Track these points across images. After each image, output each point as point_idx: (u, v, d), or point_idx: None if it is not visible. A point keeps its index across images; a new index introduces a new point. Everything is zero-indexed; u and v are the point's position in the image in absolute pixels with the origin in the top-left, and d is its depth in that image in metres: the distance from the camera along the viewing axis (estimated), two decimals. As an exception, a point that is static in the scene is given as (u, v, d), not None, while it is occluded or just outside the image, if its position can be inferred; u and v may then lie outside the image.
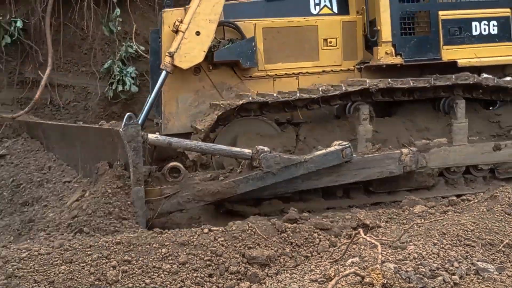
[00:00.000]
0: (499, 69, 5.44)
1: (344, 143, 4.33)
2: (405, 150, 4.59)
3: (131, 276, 2.83)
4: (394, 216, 3.83)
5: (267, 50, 5.16)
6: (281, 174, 4.11)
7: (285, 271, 2.98)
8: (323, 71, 5.30)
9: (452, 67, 5.11)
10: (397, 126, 4.96)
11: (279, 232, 3.29)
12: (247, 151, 4.10)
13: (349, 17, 5.29)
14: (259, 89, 5.09)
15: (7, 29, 7.16)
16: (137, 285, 2.77)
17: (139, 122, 4.64)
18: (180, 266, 2.93)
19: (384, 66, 5.02)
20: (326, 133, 4.80)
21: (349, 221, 3.64)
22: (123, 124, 3.61)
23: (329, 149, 4.29)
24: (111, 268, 2.84)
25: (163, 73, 4.76)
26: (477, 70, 5.31)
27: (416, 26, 5.14)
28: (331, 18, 5.27)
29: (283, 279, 2.77)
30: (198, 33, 4.69)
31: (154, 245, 3.07)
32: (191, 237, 3.16)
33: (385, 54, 5.00)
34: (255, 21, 5.09)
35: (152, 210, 3.85)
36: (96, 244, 3.04)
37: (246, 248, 3.13)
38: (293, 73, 5.25)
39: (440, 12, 5.09)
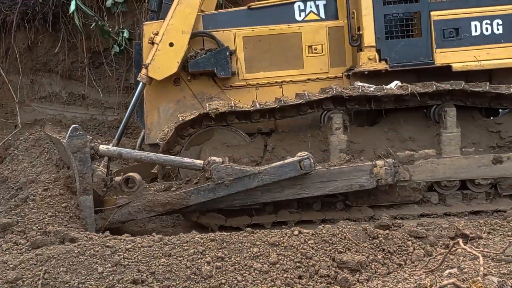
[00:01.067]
0: (507, 73, 4.90)
1: (304, 154, 4.13)
2: (379, 162, 4.27)
3: (224, 272, 2.96)
4: (498, 227, 3.66)
5: (248, 59, 5.09)
6: (234, 185, 4.02)
7: (377, 278, 2.95)
8: (308, 79, 5.12)
9: (447, 71, 4.70)
10: (377, 136, 4.60)
11: (370, 238, 3.25)
12: (198, 162, 4.07)
13: (336, 22, 5.06)
14: (240, 98, 5.03)
15: (115, 39, 7.71)
16: (230, 281, 2.90)
17: (118, 132, 4.85)
18: (270, 265, 3.02)
19: (366, 72, 4.74)
20: (297, 143, 4.59)
21: (446, 230, 3.54)
22: (67, 135, 3.76)
23: (286, 161, 4.12)
24: (206, 264, 2.99)
25: (140, 84, 4.90)
26: (487, 74, 4.85)
27: (404, 28, 4.77)
28: (316, 24, 5.07)
29: (374, 286, 2.77)
30: (171, 44, 4.75)
31: (246, 244, 3.18)
32: (282, 238, 3.23)
33: (367, 60, 4.71)
34: (234, 30, 5.05)
35: (104, 219, 3.97)
36: (192, 240, 3.22)
37: (336, 252, 3.13)
38: (276, 82, 5.12)
39: (433, 13, 4.68)
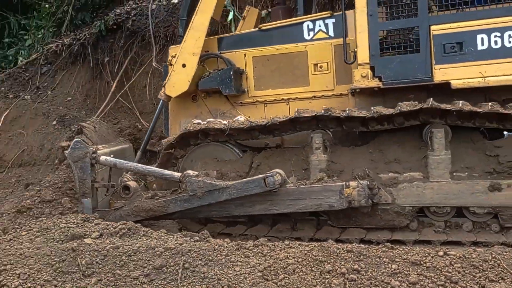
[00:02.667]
0: (505, 91, 4.38)
1: (272, 172, 4.28)
2: (352, 183, 4.20)
3: (358, 286, 2.96)
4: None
5: (257, 78, 5.38)
6: (205, 198, 4.39)
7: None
8: (314, 96, 5.20)
9: (446, 89, 4.38)
10: (360, 156, 4.49)
11: (529, 269, 2.96)
12: (177, 174, 4.54)
13: (341, 40, 5.03)
14: (250, 114, 5.37)
15: None
16: (364, 296, 2.90)
17: (143, 142, 5.58)
18: (409, 285, 2.91)
19: (358, 90, 4.66)
20: (282, 161, 4.73)
21: None
22: (70, 147, 4.57)
23: (252, 178, 4.34)
24: (340, 275, 3.03)
25: (160, 101, 5.56)
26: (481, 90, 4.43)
27: (401, 45, 4.56)
28: (322, 42, 5.12)
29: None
30: (184, 65, 5.29)
31: (384, 259, 3.14)
32: (424, 258, 3.13)
33: (360, 77, 4.62)
34: (245, 51, 5.38)
35: (101, 219, 4.69)
36: (328, 248, 3.31)
37: (487, 280, 2.91)
38: (283, 99, 5.31)
39: (433, 27, 4.39)
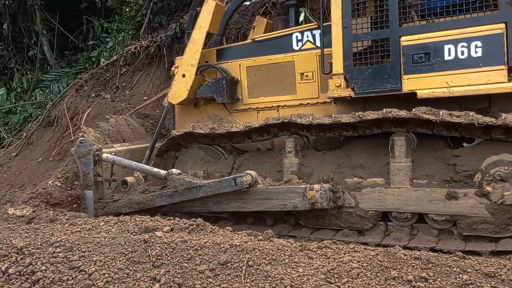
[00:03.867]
0: (480, 100, 4.41)
1: (248, 173, 4.66)
2: (316, 186, 4.47)
3: None
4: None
5: (250, 86, 5.76)
6: (185, 194, 4.87)
7: None
8: (300, 104, 5.49)
9: (413, 99, 4.50)
10: (329, 161, 4.72)
11: None
12: (163, 172, 5.05)
13: (326, 50, 5.28)
14: (245, 120, 5.75)
15: None
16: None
17: (152, 141, 6.17)
18: None
19: (332, 99, 4.90)
20: (260, 163, 5.07)
21: None
22: (76, 145, 5.24)
23: (224, 178, 4.74)
24: (406, 282, 2.98)
25: (165, 108, 6.13)
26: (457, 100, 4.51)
27: (373, 55, 4.74)
28: (308, 52, 5.40)
29: None
30: (183, 75, 5.81)
31: (455, 269, 3.08)
32: (499, 270, 3.05)
33: (335, 87, 4.85)
34: (240, 61, 5.79)
35: (103, 209, 5.31)
36: (395, 254, 3.27)
37: None
38: (273, 106, 5.66)
39: (402, 38, 4.54)
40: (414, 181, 4.33)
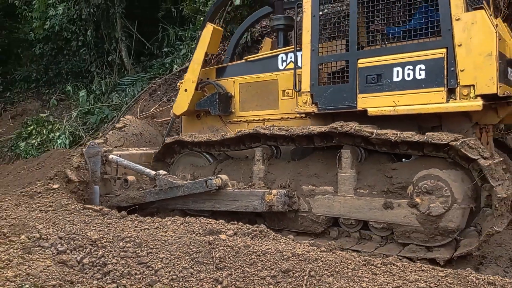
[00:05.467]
0: (432, 118, 4.71)
1: (219, 177, 5.31)
2: (274, 191, 5.02)
3: None
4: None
5: (242, 101, 6.42)
6: (168, 192, 5.61)
7: None
8: (282, 118, 6.05)
9: (365, 116, 4.93)
10: (291, 169, 5.23)
11: None
12: (153, 172, 5.83)
13: (298, 70, 5.73)
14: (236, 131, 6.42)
15: None
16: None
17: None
18: None
19: (300, 114, 5.43)
20: (236, 169, 5.70)
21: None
22: (87, 147, 6.19)
23: (198, 180, 5.42)
24: None
25: (171, 118, 6.96)
26: (413, 118, 4.85)
27: (334, 76, 5.21)
28: (290, 72, 5.95)
29: None
30: (186, 90, 6.61)
31: None
32: None
33: (302, 103, 5.39)
34: (234, 79, 6.48)
35: (107, 202, 6.19)
36: (466, 277, 3.19)
37: None
38: (260, 119, 6.26)
39: (359, 61, 4.99)
40: (358, 190, 4.74)
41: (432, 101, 4.56)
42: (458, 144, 4.12)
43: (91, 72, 14.77)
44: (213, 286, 3.23)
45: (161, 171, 5.77)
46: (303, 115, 5.54)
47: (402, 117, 4.81)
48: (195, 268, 3.43)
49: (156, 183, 5.72)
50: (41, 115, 13.61)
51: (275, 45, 6.70)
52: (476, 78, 4.35)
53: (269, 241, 3.95)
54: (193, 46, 10.01)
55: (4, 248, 3.65)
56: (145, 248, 3.68)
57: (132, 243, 3.75)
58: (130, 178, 6.21)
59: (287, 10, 6.90)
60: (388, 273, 3.37)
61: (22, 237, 3.94)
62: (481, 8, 4.40)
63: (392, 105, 4.75)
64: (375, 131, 4.51)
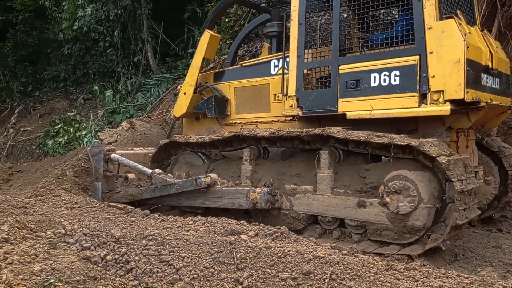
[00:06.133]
0: (408, 122, 4.93)
1: (209, 175, 5.64)
2: (258, 189, 5.32)
3: None
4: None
5: (237, 104, 6.73)
6: (163, 190, 5.97)
7: None
8: (273, 121, 6.34)
9: (344, 119, 5.18)
10: (275, 169, 5.51)
11: None
12: (149, 171, 6.21)
13: (286, 76, 6.01)
14: (232, 132, 6.75)
15: None
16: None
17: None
18: None
19: (286, 117, 5.72)
20: (227, 168, 6.01)
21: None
22: (91, 146, 6.62)
23: (189, 178, 5.76)
24: None
25: (172, 120, 7.34)
26: (392, 122, 5.07)
27: (318, 81, 5.48)
28: (280, 77, 6.25)
29: None
30: (185, 93, 6.98)
31: None
32: None
33: (289, 107, 5.68)
34: (230, 83, 6.80)
35: (109, 198, 6.60)
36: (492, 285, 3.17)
37: None
38: (253, 122, 6.56)
39: (341, 67, 5.25)
40: (335, 189, 5.00)
41: (405, 105, 4.79)
42: (417, 144, 4.35)
43: (118, 72, 15.04)
44: (234, 286, 3.23)
45: (157, 170, 6.14)
46: (290, 118, 5.83)
47: (381, 121, 5.03)
48: (216, 267, 3.43)
49: (152, 181, 6.09)
50: (69, 114, 14.08)
51: (270, 51, 7.00)
52: (445, 84, 4.56)
53: (290, 243, 3.95)
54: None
55: (31, 243, 3.75)
56: (167, 247, 3.70)
57: (154, 241, 3.78)
58: (130, 176, 6.59)
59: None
60: (411, 278, 3.33)
61: (48, 232, 4.03)
62: (451, 17, 4.60)
63: (369, 109, 4.99)
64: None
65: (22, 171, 11.49)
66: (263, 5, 7.33)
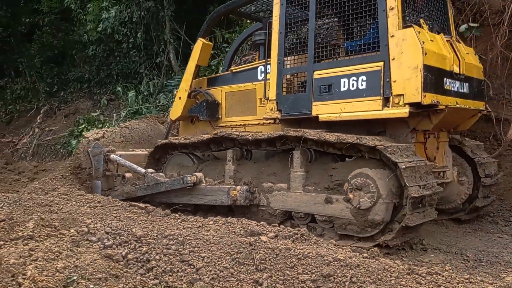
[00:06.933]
0: (377, 124, 5.25)
1: (195, 174, 6.07)
2: (238, 187, 5.72)
3: None
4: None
5: (227, 108, 7.16)
6: (154, 188, 6.43)
7: None
8: (259, 123, 6.73)
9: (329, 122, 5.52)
10: (255, 169, 5.89)
11: None
12: (143, 170, 6.67)
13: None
14: (223, 135, 7.18)
15: None
16: None
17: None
18: None
19: (267, 119, 6.11)
20: (214, 169, 6.42)
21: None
22: (92, 146, 7.14)
23: (177, 177, 6.20)
24: None
25: (169, 123, 7.82)
26: (362, 124, 5.40)
27: (295, 85, 5.85)
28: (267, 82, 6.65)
29: None
30: (180, 98, 7.45)
31: None
32: None
33: (270, 110, 6.07)
34: (221, 88, 7.23)
35: (108, 195, 7.09)
36: None
37: None
38: (241, 124, 6.97)
39: (315, 72, 5.62)
40: (306, 187, 5.35)
41: (370, 108, 5.12)
42: (383, 147, 4.68)
43: (140, 73, 15.12)
44: (253, 287, 3.24)
45: (149, 169, 6.62)
46: (271, 120, 6.22)
47: (352, 123, 5.37)
48: (235, 268, 3.43)
49: (145, 179, 6.56)
50: (92, 114, 14.39)
51: (259, 58, 7.41)
52: (405, 88, 4.88)
53: (310, 245, 3.95)
54: None
55: (55, 240, 3.85)
56: (187, 247, 3.73)
57: (175, 241, 3.82)
58: (128, 175, 7.08)
59: None
60: (433, 283, 3.28)
61: (72, 230, 4.14)
62: (411, 26, 4.92)
63: (339, 112, 5.34)
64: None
65: (47, 170, 11.99)
66: (254, 15, 7.74)
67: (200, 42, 7.30)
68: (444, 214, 6.32)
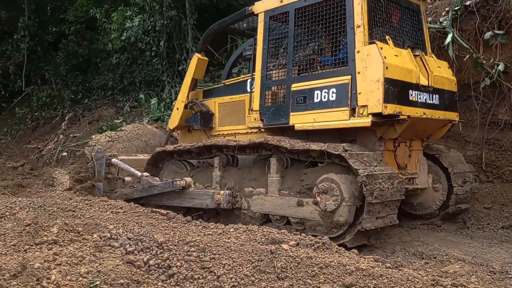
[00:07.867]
0: (349, 133, 5.64)
1: (184, 179, 6.57)
2: (222, 192, 6.18)
3: None
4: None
5: (220, 118, 7.65)
6: (148, 190, 6.95)
7: None
8: (247, 132, 7.19)
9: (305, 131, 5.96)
10: (238, 174, 6.35)
11: None
12: (139, 174, 7.21)
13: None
14: (217, 143, 7.67)
15: (488, 71, 7.40)
16: None
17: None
18: None
19: (251, 129, 6.57)
20: (204, 175, 6.91)
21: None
22: (95, 151, 7.74)
23: (168, 181, 6.71)
24: None
25: (168, 132, 8.37)
26: (335, 133, 5.80)
27: (275, 97, 6.31)
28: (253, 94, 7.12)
29: None
30: (177, 109, 7.99)
31: None
32: None
33: (254, 120, 6.53)
34: (215, 99, 7.74)
35: (108, 197, 7.64)
36: None
37: None
38: (232, 133, 7.45)
39: (293, 85, 6.06)
40: (281, 191, 5.78)
41: (339, 118, 5.53)
42: (346, 155, 5.07)
43: (163, 81, 15.20)
44: None
45: (145, 173, 7.15)
46: (256, 129, 6.68)
47: (327, 132, 5.78)
48: (256, 276, 3.40)
49: (141, 182, 7.10)
50: (115, 121, 14.64)
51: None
52: (368, 99, 5.27)
53: (332, 254, 3.93)
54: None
55: (78, 245, 3.91)
56: (208, 253, 3.72)
57: (196, 247, 3.81)
58: (127, 178, 7.63)
59: None
60: None
61: (95, 236, 4.17)
62: (374, 43, 5.33)
63: (312, 122, 5.76)
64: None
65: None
66: (248, 31, 8.25)
67: (196, 57, 7.86)
68: (420, 219, 6.63)
